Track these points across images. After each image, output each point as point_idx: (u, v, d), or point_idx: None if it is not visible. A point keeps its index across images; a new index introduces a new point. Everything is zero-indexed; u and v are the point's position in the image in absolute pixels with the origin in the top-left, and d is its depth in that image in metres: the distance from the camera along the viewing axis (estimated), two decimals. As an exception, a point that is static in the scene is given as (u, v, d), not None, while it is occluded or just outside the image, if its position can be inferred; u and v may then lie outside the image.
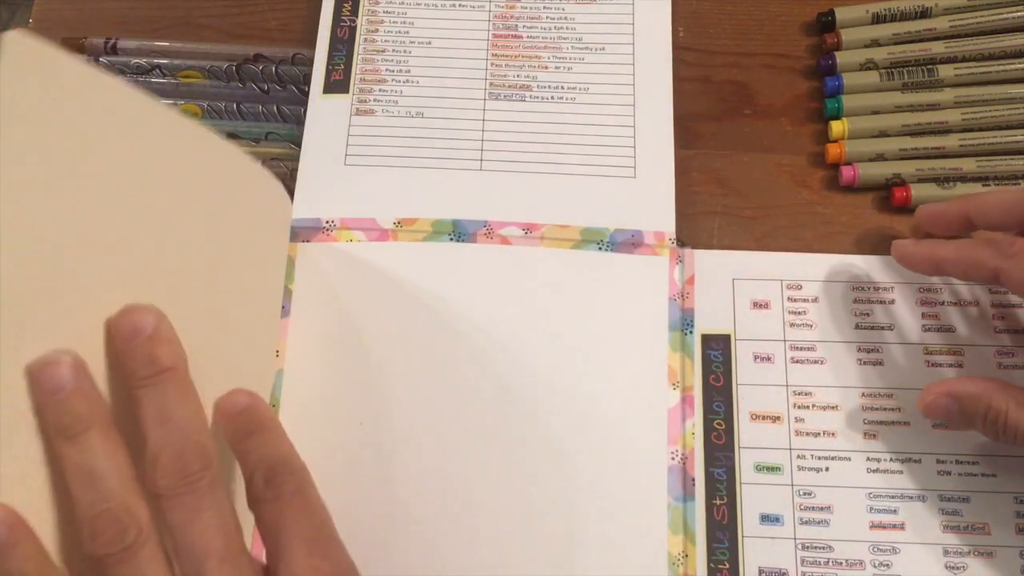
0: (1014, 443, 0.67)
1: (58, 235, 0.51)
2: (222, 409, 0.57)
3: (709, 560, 0.69)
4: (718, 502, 0.71)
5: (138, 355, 0.53)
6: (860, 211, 0.80)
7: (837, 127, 0.81)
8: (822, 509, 0.70)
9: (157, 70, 0.84)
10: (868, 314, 0.75)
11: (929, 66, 0.82)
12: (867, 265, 0.77)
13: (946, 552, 0.69)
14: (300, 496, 0.56)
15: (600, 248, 0.76)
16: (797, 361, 0.74)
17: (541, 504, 0.70)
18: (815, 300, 0.75)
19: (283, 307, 0.74)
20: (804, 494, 0.70)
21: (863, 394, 0.73)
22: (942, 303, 0.75)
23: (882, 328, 0.74)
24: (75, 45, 0.85)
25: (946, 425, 0.71)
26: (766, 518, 0.70)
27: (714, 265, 0.76)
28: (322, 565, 0.54)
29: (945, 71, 0.81)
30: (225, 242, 0.65)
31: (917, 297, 0.75)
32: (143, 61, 0.85)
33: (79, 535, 0.49)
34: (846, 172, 0.79)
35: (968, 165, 0.78)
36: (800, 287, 0.75)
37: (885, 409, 0.72)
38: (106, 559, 0.49)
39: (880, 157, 0.80)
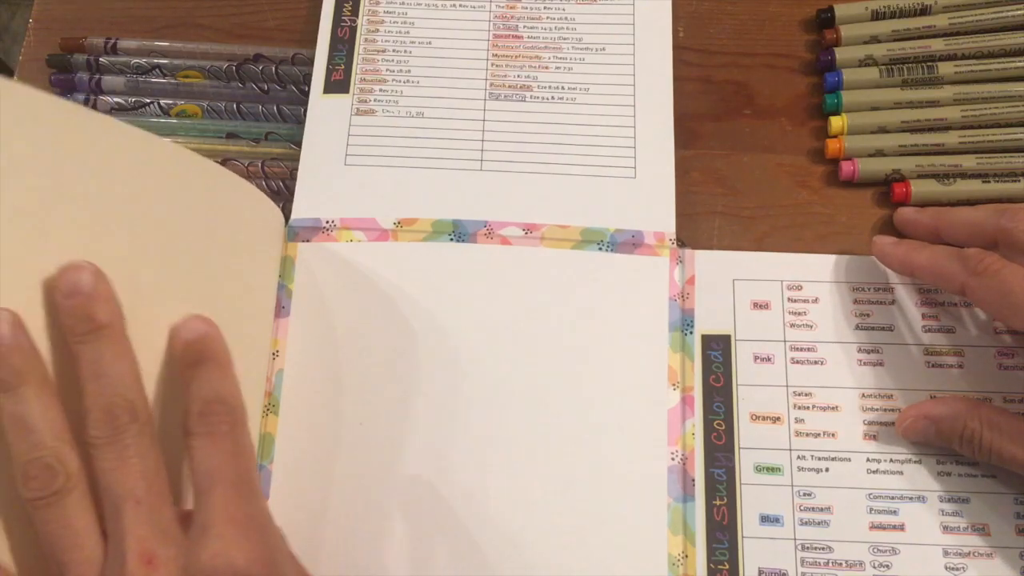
0: (989, 462, 0.68)
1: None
2: (175, 333, 0.61)
3: (709, 560, 0.69)
4: (718, 502, 0.71)
5: (76, 312, 0.55)
6: (860, 209, 0.80)
7: (836, 122, 0.81)
8: (822, 510, 0.70)
9: (157, 70, 0.85)
10: (868, 315, 0.75)
11: (929, 63, 0.82)
12: (868, 266, 0.76)
13: (946, 553, 0.69)
14: (231, 438, 0.57)
15: (600, 248, 0.76)
16: (797, 362, 0.74)
17: (541, 503, 0.70)
18: (815, 301, 0.75)
19: (283, 307, 0.74)
20: (804, 495, 0.70)
21: (863, 395, 0.73)
22: (943, 304, 0.75)
23: (882, 329, 0.74)
24: (75, 45, 0.86)
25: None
26: (766, 519, 0.70)
27: (714, 266, 0.77)
28: (237, 513, 0.55)
29: (945, 68, 0.82)
30: (216, 255, 0.67)
31: (918, 298, 0.75)
32: (143, 61, 0.85)
33: (14, 481, 0.52)
34: (845, 167, 0.80)
35: (968, 162, 0.79)
36: (800, 288, 0.76)
37: (885, 410, 0.72)
38: (35, 503, 0.52)
39: (879, 153, 0.80)
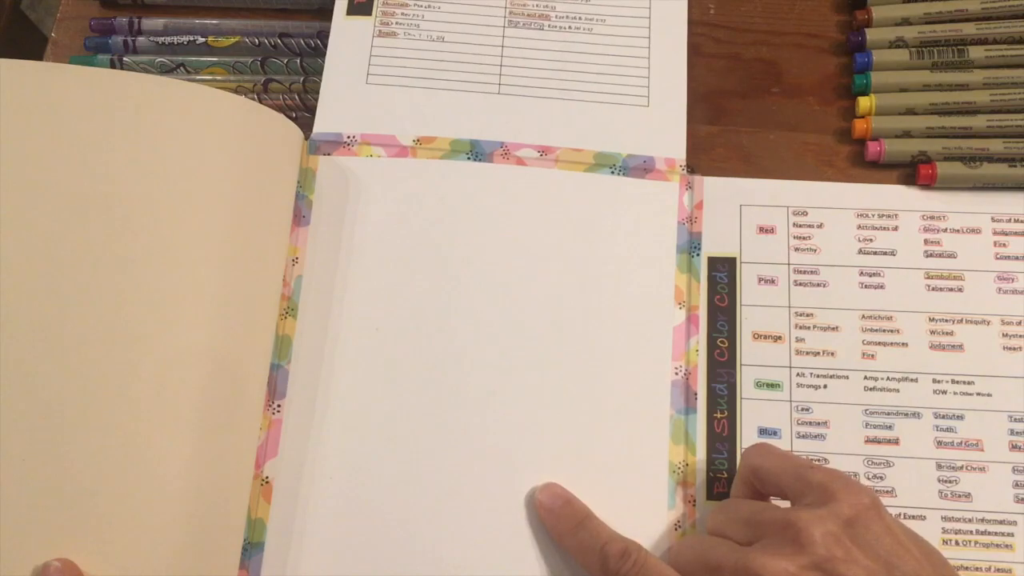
0: None
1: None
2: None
3: (708, 469, 0.74)
4: (719, 415, 0.75)
5: None
6: (885, 189, 0.84)
7: (865, 103, 0.85)
8: (819, 424, 0.75)
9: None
10: (872, 240, 0.79)
11: (960, 47, 0.86)
12: (873, 193, 0.81)
13: (939, 467, 0.73)
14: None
15: (613, 172, 0.81)
16: (800, 284, 0.79)
17: (550, 410, 0.75)
18: (820, 226, 0.80)
19: (303, 216, 0.80)
20: (802, 409, 0.74)
21: (863, 316, 0.77)
22: (945, 230, 0.79)
23: (885, 253, 0.79)
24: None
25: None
26: (764, 431, 0.75)
27: (722, 191, 0.82)
28: None
29: (976, 52, 0.85)
30: (234, 174, 0.74)
31: (920, 224, 0.80)
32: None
33: None
34: (872, 147, 0.83)
35: (995, 146, 0.82)
36: (806, 213, 0.80)
37: (884, 331, 0.77)
38: None
39: (906, 134, 0.84)
